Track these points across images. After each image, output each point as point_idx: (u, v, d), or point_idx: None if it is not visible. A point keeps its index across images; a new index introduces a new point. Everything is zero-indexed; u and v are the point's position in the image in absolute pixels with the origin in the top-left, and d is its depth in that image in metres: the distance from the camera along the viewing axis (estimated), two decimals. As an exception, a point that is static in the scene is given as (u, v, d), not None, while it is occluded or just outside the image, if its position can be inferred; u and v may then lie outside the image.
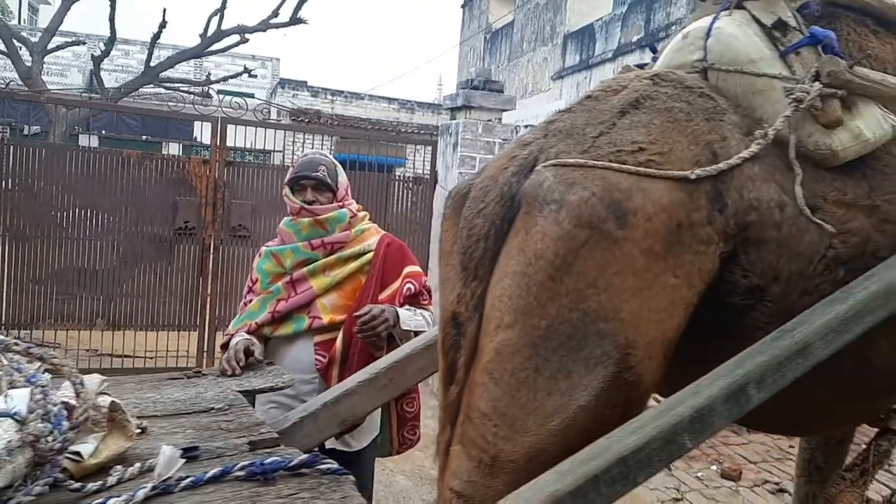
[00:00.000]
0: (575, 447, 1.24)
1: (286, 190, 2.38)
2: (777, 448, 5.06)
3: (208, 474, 1.17)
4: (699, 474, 4.50)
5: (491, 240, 1.41)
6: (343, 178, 2.44)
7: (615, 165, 1.37)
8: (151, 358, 5.83)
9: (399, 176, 7.21)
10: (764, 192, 1.45)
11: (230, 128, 5.87)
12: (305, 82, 20.36)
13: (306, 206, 2.30)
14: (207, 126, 5.83)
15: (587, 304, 1.30)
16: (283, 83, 19.21)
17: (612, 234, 1.31)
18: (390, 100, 19.58)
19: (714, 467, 4.63)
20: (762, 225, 1.44)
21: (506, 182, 1.43)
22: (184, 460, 1.17)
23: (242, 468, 1.20)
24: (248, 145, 6.64)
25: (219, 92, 17.81)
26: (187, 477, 1.16)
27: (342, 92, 19.11)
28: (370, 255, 2.32)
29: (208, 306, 5.86)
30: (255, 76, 20.53)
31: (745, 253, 1.45)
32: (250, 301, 2.37)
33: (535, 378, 1.29)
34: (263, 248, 2.43)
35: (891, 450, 1.72)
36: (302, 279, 2.27)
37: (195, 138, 15.94)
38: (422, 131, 14.28)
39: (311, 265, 2.27)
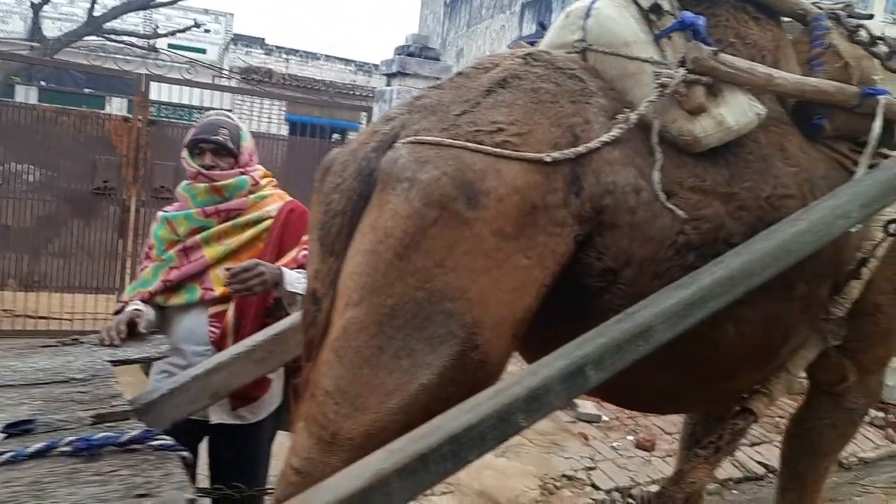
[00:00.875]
0: (416, 425, 1.25)
1: (184, 153, 2.31)
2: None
3: (29, 449, 1.15)
4: (615, 444, 4.63)
5: (347, 216, 1.40)
6: (247, 142, 2.37)
7: (471, 145, 1.36)
8: (69, 320, 5.69)
9: (337, 140, 7.10)
10: (621, 177, 1.46)
11: (177, 87, 5.65)
12: (262, 39, 19.79)
13: (203, 171, 2.24)
14: (156, 82, 5.62)
15: (433, 284, 1.30)
16: (237, 39, 18.65)
17: (462, 214, 1.31)
18: (347, 61, 19.19)
19: (630, 437, 4.78)
20: (617, 209, 1.45)
21: (364, 157, 1.41)
22: (3, 435, 1.15)
23: (69, 443, 1.18)
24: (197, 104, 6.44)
25: (169, 46, 17.26)
26: (6, 452, 1.14)
27: (297, 51, 18.65)
28: (269, 222, 2.28)
29: (128, 268, 5.72)
30: (208, 31, 19.90)
31: (600, 236, 1.46)
32: (146, 268, 2.32)
33: (379, 356, 1.30)
34: (159, 214, 2.37)
35: (746, 429, 1.79)
36: (195, 247, 2.22)
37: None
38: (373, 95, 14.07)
39: (205, 232, 2.22)
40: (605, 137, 1.46)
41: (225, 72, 16.28)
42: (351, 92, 16.06)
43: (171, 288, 2.22)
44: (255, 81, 14.00)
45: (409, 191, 1.31)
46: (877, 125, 1.79)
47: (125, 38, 13.44)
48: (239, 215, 2.26)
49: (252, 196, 2.28)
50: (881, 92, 1.81)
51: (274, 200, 2.34)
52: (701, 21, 1.56)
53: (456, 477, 3.82)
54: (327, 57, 18.74)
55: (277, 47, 18.60)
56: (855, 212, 1.55)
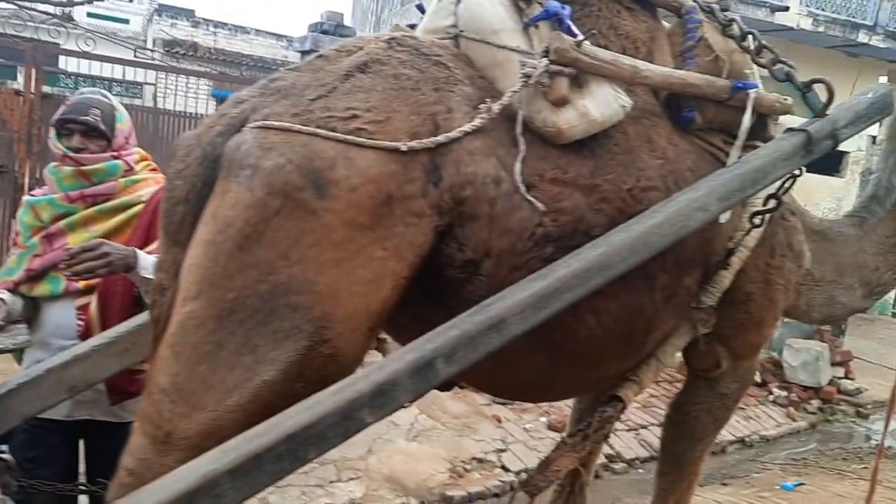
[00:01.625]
0: (259, 423, 1.21)
1: (51, 132, 2.17)
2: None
3: None
4: (527, 426, 4.71)
5: (191, 204, 1.34)
6: (123, 124, 2.23)
7: (322, 132, 1.31)
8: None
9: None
10: (482, 167, 1.44)
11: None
12: (193, 11, 19.05)
13: (70, 154, 2.11)
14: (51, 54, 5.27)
15: (277, 277, 1.26)
16: (162, 10, 17.88)
17: (309, 204, 1.27)
18: (279, 36, 18.65)
19: (543, 419, 4.86)
20: (477, 200, 1.44)
21: (210, 142, 1.35)
22: None
23: None
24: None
25: (88, 16, 16.40)
26: None
27: (226, 24, 18.01)
28: (140, 207, 2.15)
29: (23, 249, 5.36)
30: (131, 0, 18.99)
31: (460, 227, 1.45)
32: (12, 256, 2.19)
33: (218, 352, 1.24)
34: (24, 198, 2.23)
35: (615, 416, 1.82)
36: (59, 234, 2.09)
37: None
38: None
39: (69, 219, 2.09)
40: (466, 127, 1.43)
41: (147, 45, 15.66)
42: (282, 68, 15.66)
43: (35, 277, 2.08)
44: (180, 55, 13.47)
45: (252, 178, 1.26)
46: (746, 118, 1.83)
47: (38, 4, 12.69)
48: (107, 200, 2.13)
49: (123, 180, 2.15)
50: (751, 86, 1.85)
51: (148, 185, 2.20)
52: (565, 11, 1.54)
53: (364, 462, 3.81)
54: (258, 31, 18.18)
55: (205, 20, 17.91)
56: (713, 205, 1.58)
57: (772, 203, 1.83)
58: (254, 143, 1.29)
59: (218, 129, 1.36)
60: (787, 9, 9.54)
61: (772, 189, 1.81)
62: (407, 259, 1.38)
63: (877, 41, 10.17)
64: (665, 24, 1.92)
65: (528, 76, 1.49)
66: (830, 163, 9.08)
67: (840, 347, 7.03)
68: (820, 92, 1.81)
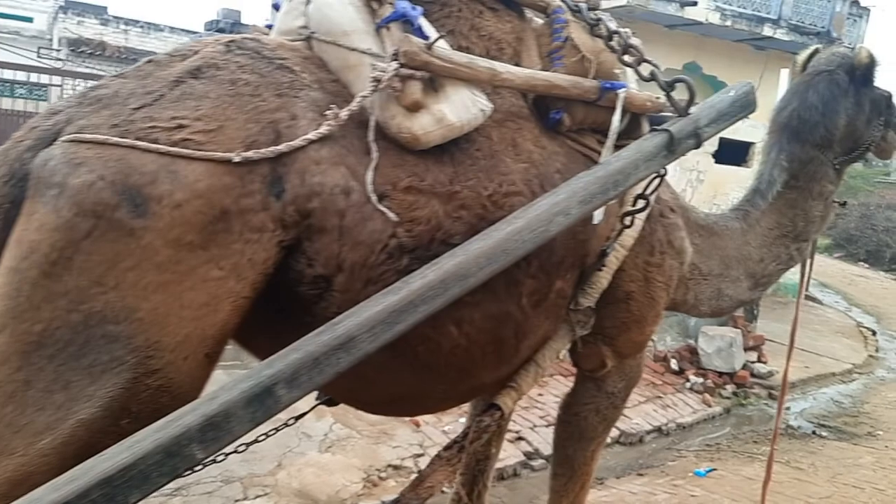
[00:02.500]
0: (77, 466, 1.11)
1: None
2: (527, 397, 5.39)
3: None
4: (446, 428, 4.67)
5: None
6: None
7: (142, 144, 1.21)
8: None
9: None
10: (330, 177, 1.37)
11: None
12: (105, 8, 18.22)
13: None
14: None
15: (91, 305, 1.15)
16: (68, 7, 17.03)
17: (126, 223, 1.17)
18: (194, 33, 18.07)
19: (462, 420, 4.83)
20: (325, 212, 1.36)
21: (17, 158, 1.23)
22: None
23: None
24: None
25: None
26: None
27: (138, 22, 17.31)
28: None
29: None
30: (35, -3, 18.04)
31: (308, 241, 1.37)
32: None
33: (25, 391, 1.13)
34: None
35: (493, 425, 1.78)
36: None
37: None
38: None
39: None
40: (311, 135, 1.36)
41: (52, 44, 14.93)
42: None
43: None
44: (86, 55, 12.86)
45: (59, 198, 1.15)
46: (615, 118, 1.82)
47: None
48: None
49: None
50: (619, 86, 1.84)
51: None
52: (416, 12, 1.49)
53: (273, 477, 3.69)
54: (172, 29, 17.54)
55: (116, 17, 17.18)
56: (574, 208, 1.55)
57: (640, 203, 1.83)
58: (62, 158, 1.18)
59: (27, 144, 1.24)
60: (695, 3, 9.80)
61: (648, 187, 1.82)
62: (248, 278, 1.30)
63: (781, 34, 10.56)
64: (534, 24, 1.89)
65: (377, 80, 1.43)
66: (738, 154, 9.39)
67: (753, 332, 7.28)
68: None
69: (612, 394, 2.18)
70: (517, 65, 1.79)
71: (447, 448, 1.73)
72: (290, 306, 1.42)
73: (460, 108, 1.53)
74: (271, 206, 1.31)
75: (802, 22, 10.92)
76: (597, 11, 1.91)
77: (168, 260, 1.20)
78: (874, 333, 10.55)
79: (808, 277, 3.04)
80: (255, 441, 1.94)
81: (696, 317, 2.76)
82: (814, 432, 5.77)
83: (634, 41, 2.12)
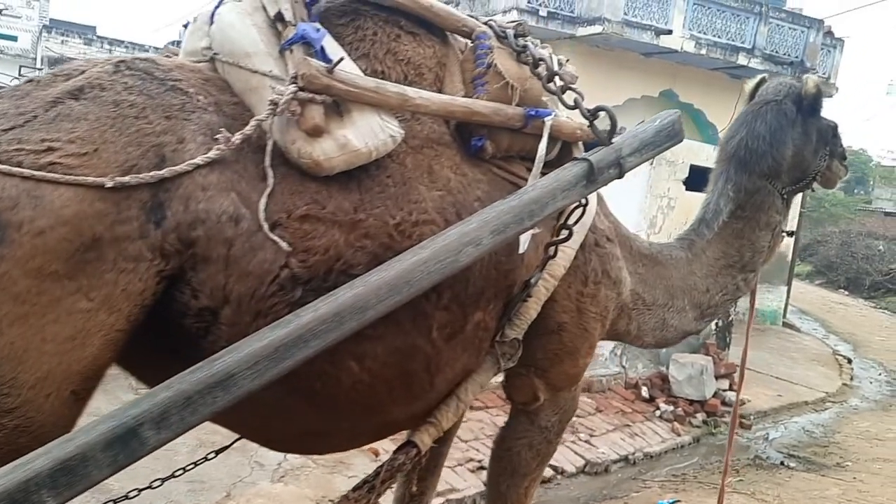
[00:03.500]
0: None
1: None
2: (492, 425, 5.30)
3: None
4: (404, 456, 4.56)
5: None
6: None
7: (3, 168, 1.15)
8: None
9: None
10: (217, 204, 1.31)
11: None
12: (93, 28, 18.23)
13: None
14: None
15: None
16: (52, 26, 17.03)
17: None
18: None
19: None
20: (210, 241, 1.30)
21: None
22: None
23: None
24: None
25: (-27, 32, 15.43)
26: None
27: (123, 42, 17.30)
28: None
29: None
30: (19, 17, 18.03)
31: (193, 271, 1.31)
32: None
33: None
34: None
35: (407, 463, 1.71)
36: None
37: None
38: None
39: None
40: (198, 159, 1.30)
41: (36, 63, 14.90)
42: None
43: None
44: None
45: None
46: (541, 146, 1.77)
47: None
48: None
49: None
50: (545, 113, 1.80)
51: None
52: (319, 34, 1.44)
53: (221, 508, 3.57)
54: (157, 49, 17.54)
55: (100, 37, 17.18)
56: (486, 239, 1.49)
57: (564, 233, 1.78)
58: None
59: None
60: (670, 32, 9.93)
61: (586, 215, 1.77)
62: (122, 310, 1.23)
63: (755, 63, 10.70)
64: (459, 49, 1.85)
65: (274, 104, 1.38)
66: (706, 180, 9.48)
67: (725, 360, 7.24)
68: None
69: (546, 428, 2.11)
70: (440, 90, 1.75)
71: (356, 489, 1.66)
72: (177, 340, 1.35)
73: (367, 133, 1.47)
74: (150, 233, 1.24)
75: (776, 52, 11.10)
76: (525, 38, 1.88)
77: (28, 291, 1.13)
78: (850, 361, 10.56)
79: (753, 308, 3.00)
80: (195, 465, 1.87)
81: (640, 347, 2.69)
82: (782, 463, 5.70)
83: (569, 69, 2.10)
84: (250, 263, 1.33)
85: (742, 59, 10.55)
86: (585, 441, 5.34)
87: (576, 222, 1.78)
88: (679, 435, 5.98)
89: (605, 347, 6.54)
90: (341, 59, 1.42)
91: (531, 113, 1.79)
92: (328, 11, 1.61)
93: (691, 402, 6.53)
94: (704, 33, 10.35)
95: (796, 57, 11.22)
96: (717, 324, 7.49)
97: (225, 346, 1.30)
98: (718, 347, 7.37)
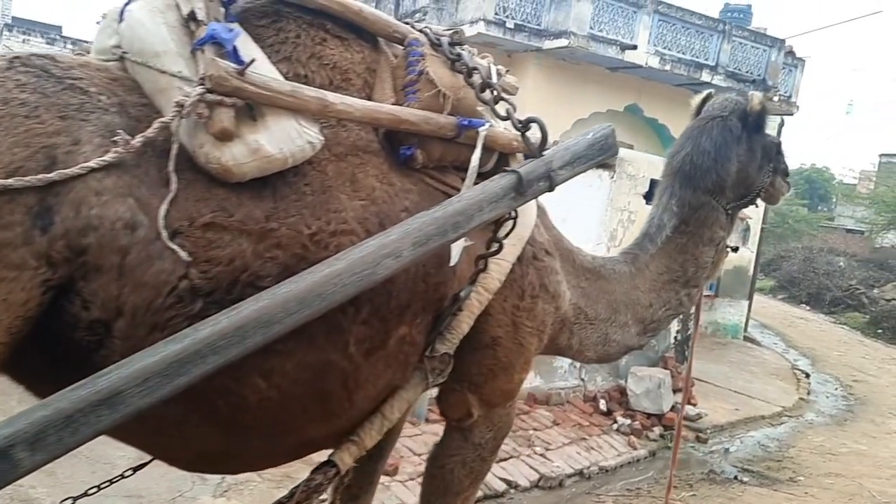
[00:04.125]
0: None
1: None
2: (447, 437, 5.21)
3: None
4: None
5: None
6: None
7: None
8: None
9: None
10: (111, 210, 1.24)
11: None
12: (59, 28, 17.85)
13: None
14: None
15: None
16: (14, 25, 16.64)
17: None
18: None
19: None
20: (102, 249, 1.23)
21: None
22: None
23: None
24: None
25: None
26: None
27: (89, 42, 16.95)
28: None
29: None
30: (-20, 15, 17.63)
31: (84, 280, 1.23)
32: None
33: None
34: None
35: (325, 483, 1.64)
36: None
37: None
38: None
39: None
40: (93, 163, 1.23)
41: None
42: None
43: None
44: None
45: None
46: (474, 157, 1.73)
47: None
48: None
49: None
50: (478, 123, 1.76)
51: None
52: (231, 34, 1.38)
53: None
54: (122, 52, 17.23)
55: (63, 36, 16.84)
56: (407, 250, 1.44)
57: (494, 246, 1.74)
58: None
59: None
60: (635, 47, 10.04)
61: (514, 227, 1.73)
62: (2, 322, 1.15)
63: (718, 80, 10.87)
64: (391, 56, 1.80)
65: (180, 105, 1.31)
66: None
67: (683, 373, 7.27)
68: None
69: (480, 445, 2.06)
70: (369, 97, 1.70)
71: (269, 510, 1.58)
72: (66, 355, 1.27)
73: (283, 138, 1.41)
74: (35, 240, 1.17)
75: (739, 69, 11.28)
76: (461, 46, 1.84)
77: None
78: (808, 376, 10.69)
79: (697, 323, 2.99)
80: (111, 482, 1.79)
81: (582, 362, 2.66)
82: (736, 477, 5.71)
83: (508, 79, 2.06)
84: (146, 273, 1.26)
85: (706, 76, 10.70)
86: (541, 454, 5.29)
87: (506, 235, 1.74)
88: (635, 449, 5.97)
89: (564, 360, 6.53)
90: (253, 61, 1.35)
91: (464, 123, 1.75)
92: (248, 12, 1.55)
93: (649, 415, 6.53)
94: (669, 49, 10.48)
95: (758, 75, 11.43)
96: (675, 337, 7.54)
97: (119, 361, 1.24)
98: (677, 361, 7.41)
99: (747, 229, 13.60)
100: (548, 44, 9.98)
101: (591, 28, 9.84)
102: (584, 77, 10.47)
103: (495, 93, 1.75)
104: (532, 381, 6.45)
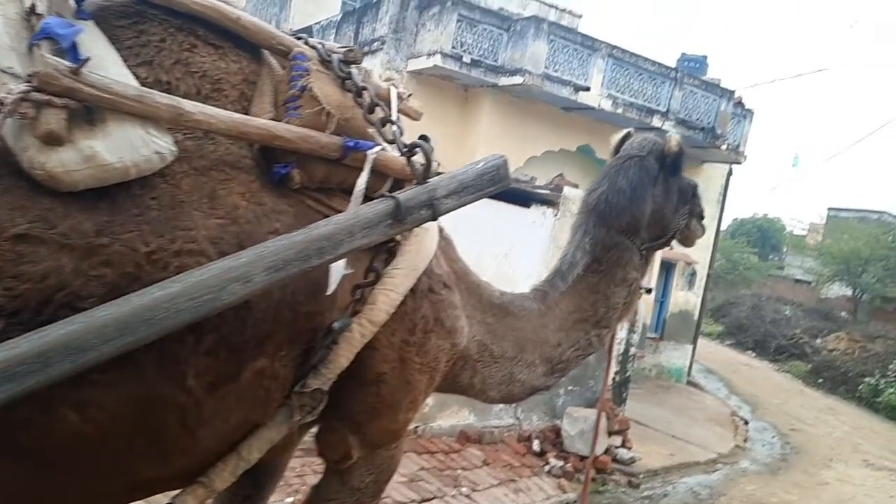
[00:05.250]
0: None
1: None
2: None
3: None
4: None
5: None
6: None
7: None
8: None
9: None
10: None
11: None
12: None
13: None
14: None
15: None
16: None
17: None
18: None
19: (289, 499, 4.43)
20: None
21: None
22: None
23: None
24: None
25: None
26: None
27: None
28: None
29: None
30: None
31: None
32: None
33: None
34: None
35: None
36: None
37: None
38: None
39: None
40: None
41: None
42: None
43: None
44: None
45: None
46: (360, 181, 1.63)
47: None
48: None
49: None
50: (366, 146, 1.66)
51: None
52: (70, 30, 1.26)
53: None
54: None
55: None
56: (258, 276, 1.32)
57: (371, 276, 1.63)
58: None
59: None
60: (588, 89, 10.20)
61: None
62: None
63: (669, 125, 11.09)
64: (276, 69, 1.69)
65: (0, 103, 1.18)
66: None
67: (619, 415, 7.22)
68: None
69: (359, 490, 1.92)
70: (245, 110, 1.59)
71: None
72: None
73: (125, 147, 1.29)
74: None
75: (690, 117, 11.53)
76: (355, 65, 1.75)
77: None
78: (746, 423, 10.78)
79: (609, 365, 2.93)
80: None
81: (485, 402, 2.56)
82: (664, 524, 5.65)
83: (412, 103, 1.98)
84: None
85: (657, 122, 10.91)
86: (466, 496, 5.14)
87: (385, 264, 1.64)
88: (565, 492, 5.86)
89: (500, 398, 6.42)
90: (88, 60, 1.23)
91: (349, 144, 1.64)
92: (106, 11, 1.43)
93: (582, 458, 6.43)
94: (622, 93, 10.67)
95: (708, 123, 11.70)
96: (614, 378, 7.49)
97: None
98: (614, 403, 7.36)
99: (693, 274, 13.86)
100: (503, 80, 10.07)
101: (546, 67, 9.97)
102: (538, 116, 10.58)
103: (383, 114, 1.66)
104: (466, 419, 6.33)
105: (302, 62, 1.66)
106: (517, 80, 9.82)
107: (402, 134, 1.65)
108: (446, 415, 6.17)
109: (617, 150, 2.68)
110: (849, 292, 25.29)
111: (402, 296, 1.76)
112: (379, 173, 1.70)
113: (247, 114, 1.57)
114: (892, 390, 15.85)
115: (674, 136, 2.61)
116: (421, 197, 1.57)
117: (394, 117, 1.82)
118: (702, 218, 2.70)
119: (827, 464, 9.15)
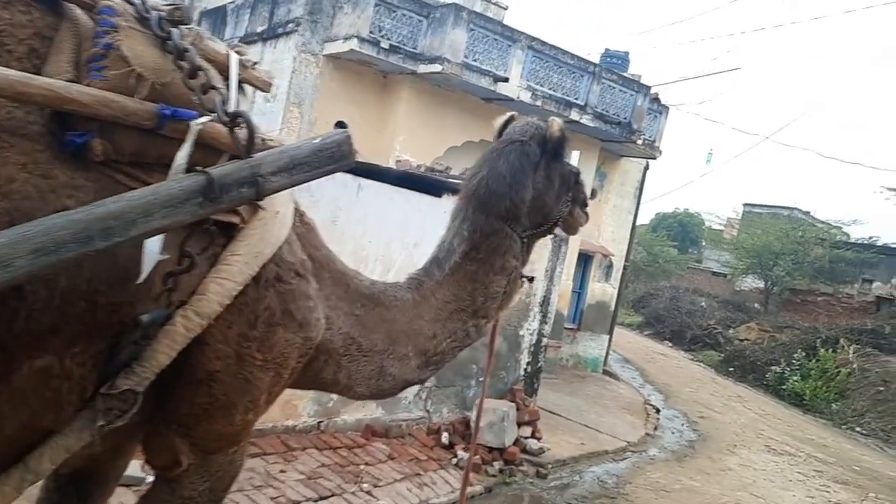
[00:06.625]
0: None
1: None
2: (266, 474, 4.80)
3: None
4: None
5: None
6: None
7: None
8: None
9: None
10: None
11: None
12: None
13: None
14: None
15: None
16: None
17: None
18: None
19: None
20: None
21: None
22: None
23: None
24: None
25: None
26: None
27: None
28: None
29: None
30: None
31: None
32: None
33: None
34: None
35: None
36: None
37: None
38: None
39: None
40: None
41: None
42: None
43: None
44: None
45: None
46: (180, 154, 1.44)
47: None
48: None
49: None
50: (187, 115, 1.47)
51: None
52: None
53: None
54: None
55: None
56: (21, 260, 1.11)
57: (186, 262, 1.45)
58: None
59: None
60: (506, 80, 10.16)
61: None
62: None
63: (587, 120, 11.20)
64: (80, 25, 1.48)
65: None
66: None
67: (530, 406, 7.22)
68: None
69: (191, 499, 1.74)
70: (36, 69, 1.37)
71: None
72: None
73: None
74: None
75: (607, 111, 11.67)
76: (181, 25, 1.55)
77: None
78: (658, 411, 11.05)
79: (491, 356, 2.82)
80: None
81: (352, 399, 2.42)
82: (565, 515, 5.66)
83: (260, 73, 1.80)
84: None
85: (575, 115, 10.98)
86: (367, 492, 4.99)
87: (202, 251, 1.45)
88: (471, 485, 5.78)
89: (408, 390, 6.29)
90: None
91: (166, 112, 1.45)
92: None
93: (490, 449, 6.39)
94: (541, 85, 10.68)
95: (625, 118, 11.88)
96: (525, 369, 7.49)
97: None
98: (525, 394, 7.36)
99: (610, 266, 14.12)
100: (422, 68, 9.89)
101: (465, 57, 9.86)
102: (458, 105, 10.47)
103: (205, 80, 1.47)
104: (373, 413, 6.17)
105: (109, 17, 1.45)
106: (436, 67, 9.68)
107: (226, 102, 1.47)
108: (352, 409, 6.00)
109: (500, 133, 2.57)
110: (761, 284, 26.46)
111: (241, 285, 1.58)
112: (210, 147, 1.51)
113: (38, 73, 1.35)
114: (795, 378, 16.65)
115: (556, 120, 2.51)
116: (242, 173, 1.39)
117: (232, 85, 1.64)
118: (585, 205, 2.61)
119: (731, 450, 9.46)
